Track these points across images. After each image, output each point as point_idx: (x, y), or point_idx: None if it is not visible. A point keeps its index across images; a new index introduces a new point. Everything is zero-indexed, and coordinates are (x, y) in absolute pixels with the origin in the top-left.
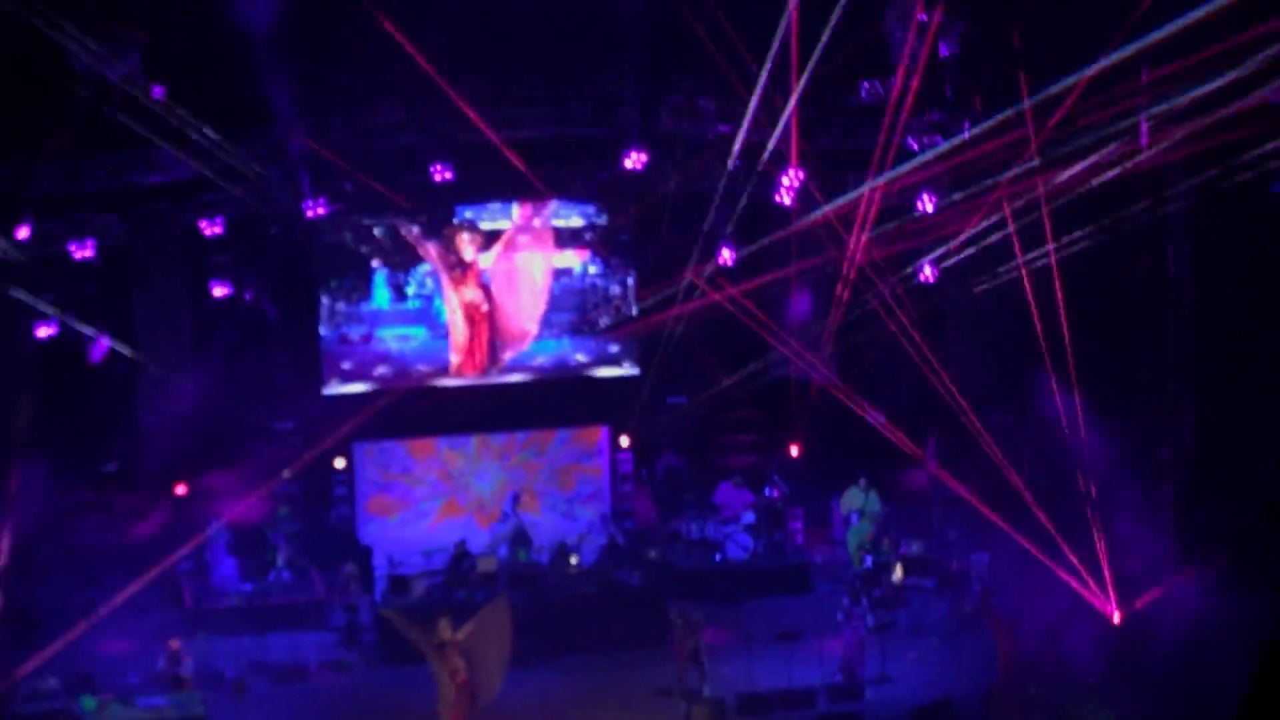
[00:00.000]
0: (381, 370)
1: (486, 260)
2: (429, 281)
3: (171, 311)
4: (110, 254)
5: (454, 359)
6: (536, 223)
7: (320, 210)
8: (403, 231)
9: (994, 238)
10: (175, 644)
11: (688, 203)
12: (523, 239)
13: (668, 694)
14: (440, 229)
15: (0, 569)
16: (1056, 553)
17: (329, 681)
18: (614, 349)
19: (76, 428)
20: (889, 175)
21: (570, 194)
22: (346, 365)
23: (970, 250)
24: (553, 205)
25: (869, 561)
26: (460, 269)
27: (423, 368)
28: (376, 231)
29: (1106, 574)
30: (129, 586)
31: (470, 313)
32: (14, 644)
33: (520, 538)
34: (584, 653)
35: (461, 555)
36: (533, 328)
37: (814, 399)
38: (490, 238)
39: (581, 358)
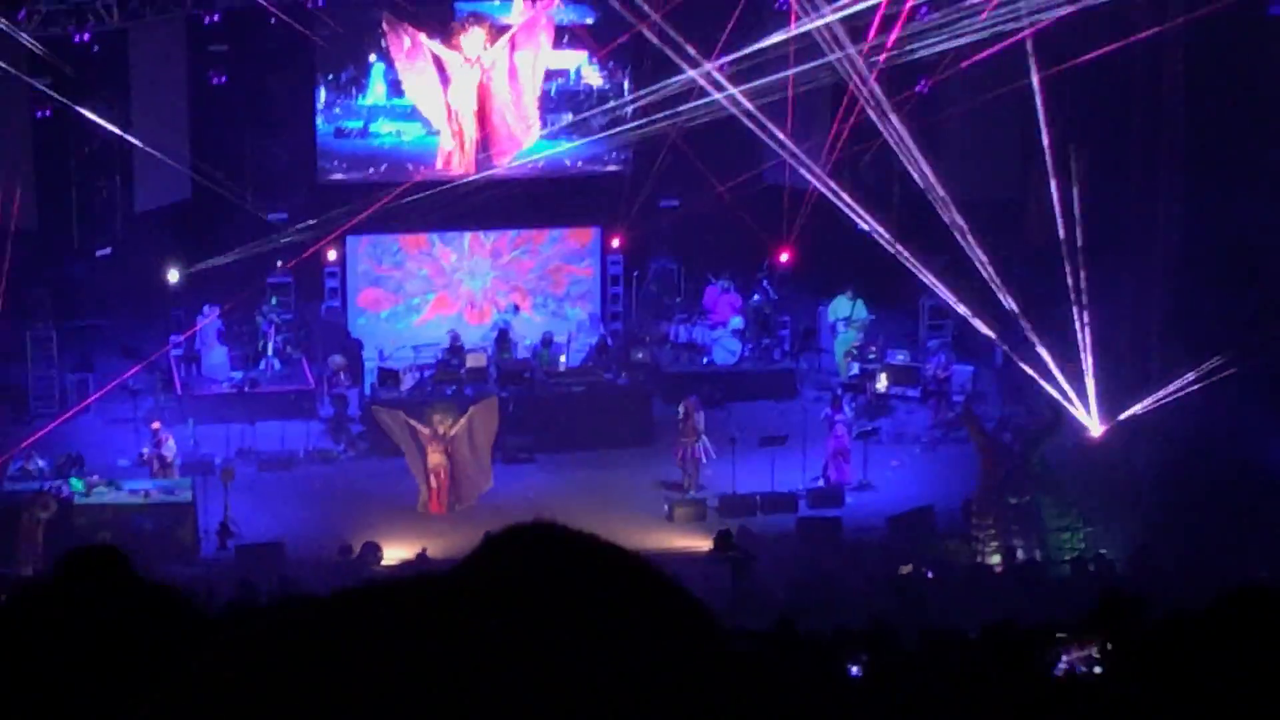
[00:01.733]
0: (376, 163)
1: (489, 56)
2: (425, 77)
3: (169, 98)
4: (108, 39)
5: (444, 155)
6: (538, 20)
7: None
8: (392, 29)
9: (994, 48)
10: (157, 425)
11: (688, 3)
12: (522, 37)
13: (651, 492)
14: (443, 22)
15: None
16: (1040, 365)
17: (315, 470)
18: (608, 150)
19: (72, 211)
20: None
21: None
22: (341, 158)
23: (968, 61)
24: (552, 3)
25: (855, 369)
26: (464, 64)
27: (417, 163)
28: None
29: (1090, 386)
30: (120, 371)
31: (467, 110)
32: (3, 424)
33: (504, 341)
34: (570, 450)
35: (456, 348)
36: (529, 126)
37: (808, 207)
38: (496, 32)
39: (576, 158)
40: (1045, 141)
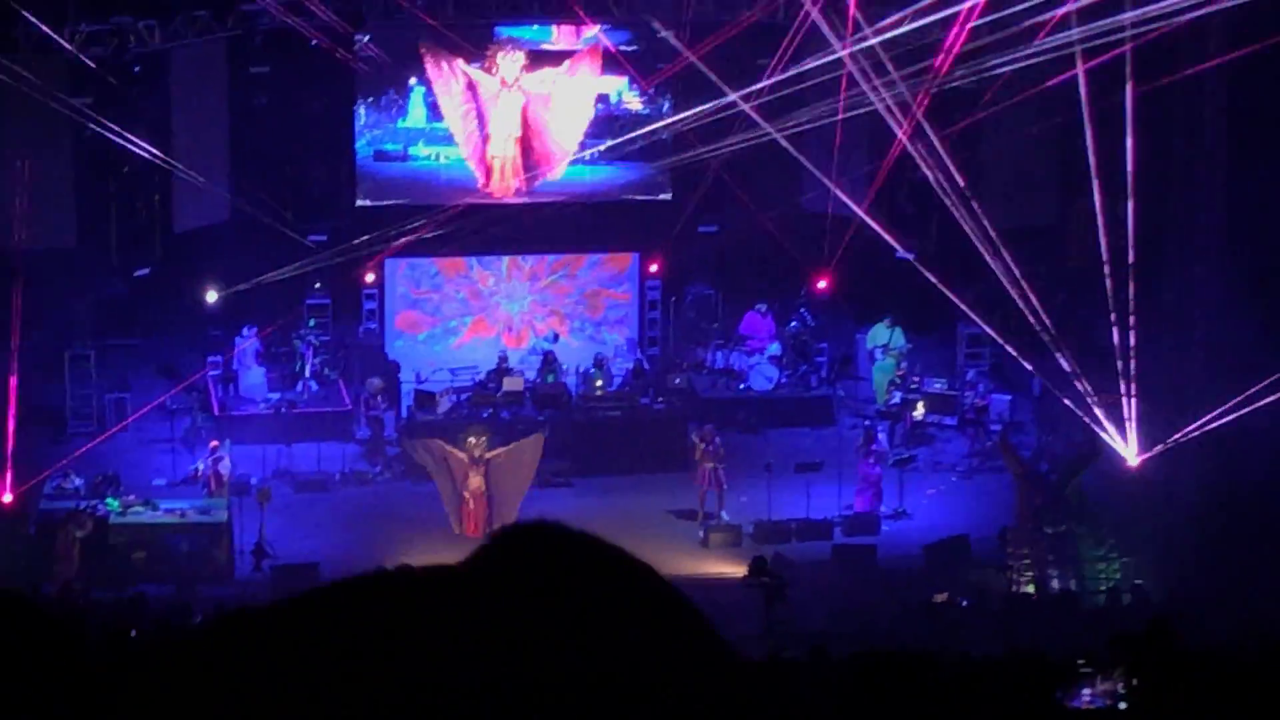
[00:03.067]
0: (415, 186)
1: (528, 81)
2: (461, 101)
3: (209, 119)
4: (149, 59)
5: (482, 179)
6: (576, 45)
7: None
8: (429, 54)
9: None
10: (215, 444)
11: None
12: (562, 61)
13: (686, 518)
14: (481, 47)
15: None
16: (1077, 394)
17: (352, 492)
18: (647, 175)
19: (111, 231)
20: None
21: (610, 17)
22: (381, 180)
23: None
24: (592, 28)
25: (896, 397)
26: (500, 89)
27: (456, 187)
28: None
29: (1130, 414)
30: (157, 391)
31: (504, 135)
32: (40, 443)
33: (549, 364)
34: (606, 475)
35: (504, 370)
36: (567, 151)
37: (850, 235)
38: (534, 58)
39: (615, 183)
40: (1092, 165)
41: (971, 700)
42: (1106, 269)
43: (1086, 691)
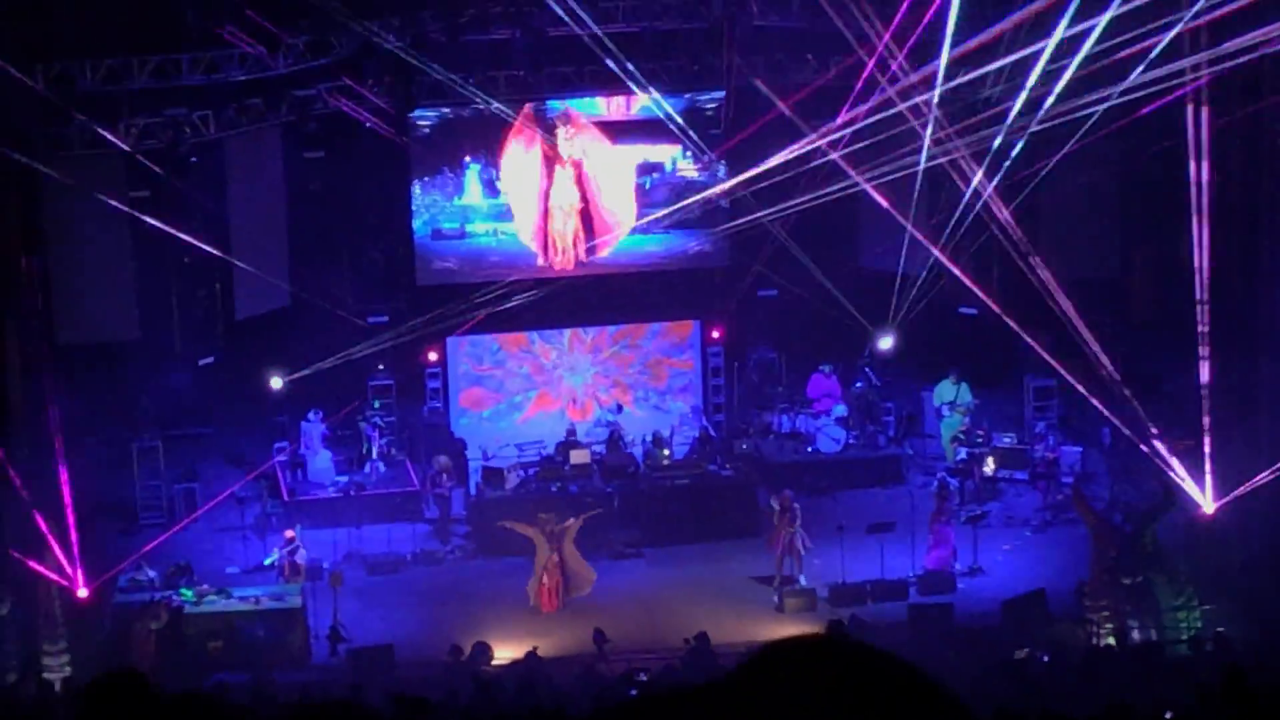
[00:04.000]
0: (475, 263)
1: (582, 153)
2: (507, 178)
3: (265, 205)
4: (205, 149)
5: (541, 254)
6: (630, 115)
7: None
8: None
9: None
10: (291, 533)
11: (782, 94)
12: (615, 132)
13: (761, 584)
14: (544, 120)
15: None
16: (1149, 442)
17: (422, 572)
18: (705, 242)
19: (173, 321)
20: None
21: (662, 86)
22: (440, 259)
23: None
24: (644, 98)
25: (962, 454)
26: (557, 165)
27: (515, 261)
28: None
29: (1208, 464)
30: (225, 479)
31: (564, 210)
32: (112, 536)
33: (615, 438)
34: (676, 544)
35: (571, 443)
36: (624, 221)
37: (917, 292)
38: (585, 128)
39: (673, 251)
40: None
41: None
42: (1203, 304)
43: None
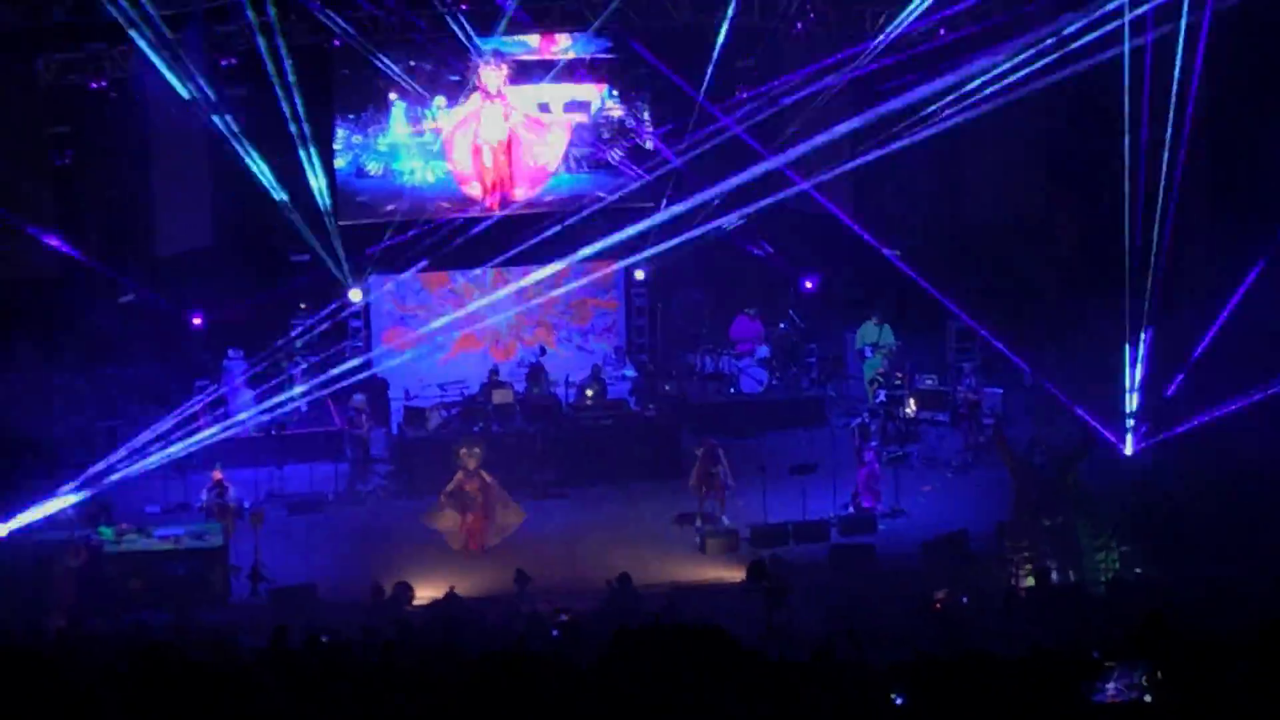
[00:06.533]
0: (398, 203)
1: (511, 93)
2: (443, 115)
3: (187, 143)
4: (125, 84)
5: (471, 193)
6: (555, 55)
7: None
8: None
9: (1006, 65)
10: (218, 474)
11: (704, 34)
12: (542, 72)
13: (682, 523)
14: (463, 60)
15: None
16: (1070, 385)
17: (346, 513)
18: (630, 182)
19: (95, 258)
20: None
21: (588, 26)
22: (363, 198)
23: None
24: (570, 37)
25: (882, 395)
26: (485, 101)
27: (440, 202)
28: (396, 65)
29: (1127, 406)
30: (146, 418)
31: (492, 146)
32: (33, 475)
33: (537, 374)
34: (600, 484)
35: (495, 383)
36: (552, 161)
37: (830, 234)
38: (517, 69)
39: (598, 191)
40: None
41: (1002, 701)
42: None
43: (1110, 686)
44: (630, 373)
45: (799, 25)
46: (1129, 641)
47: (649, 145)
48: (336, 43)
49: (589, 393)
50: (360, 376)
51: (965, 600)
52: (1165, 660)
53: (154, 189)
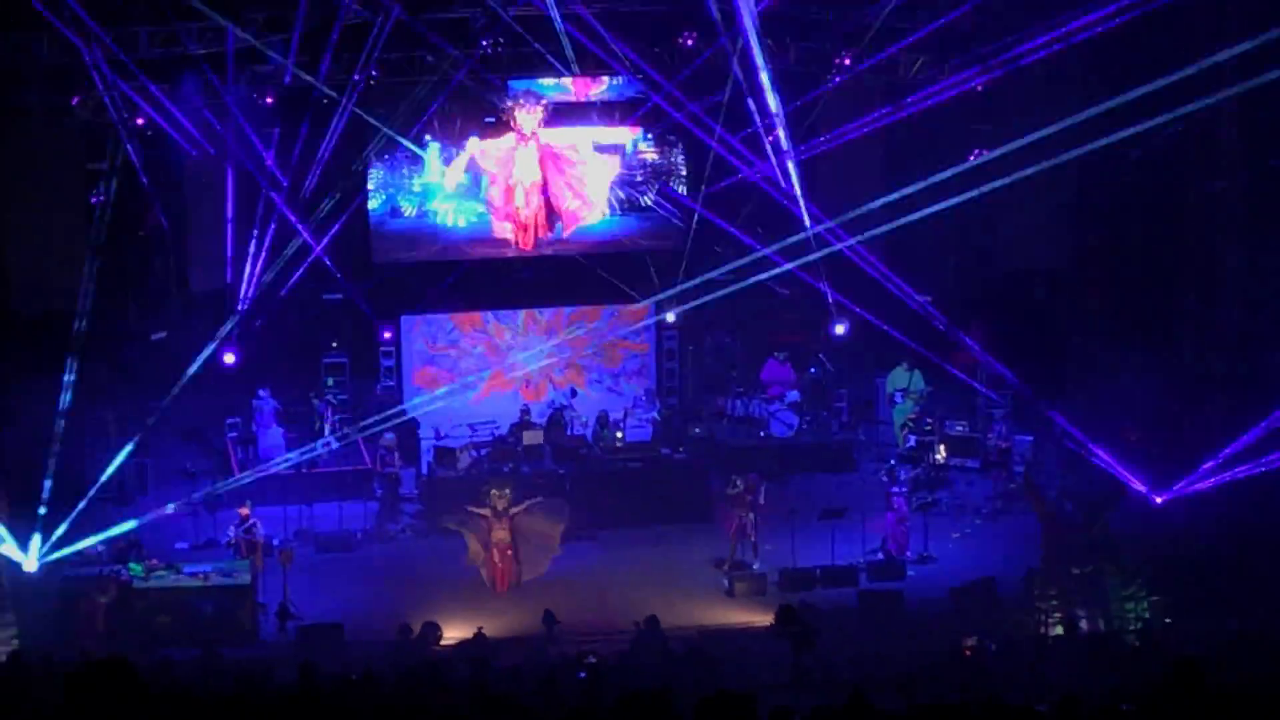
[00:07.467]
0: (432, 243)
1: (545, 134)
2: (479, 157)
3: (222, 180)
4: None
5: (504, 234)
6: (591, 97)
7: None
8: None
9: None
10: (245, 510)
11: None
12: (576, 114)
13: (712, 567)
14: (498, 103)
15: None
16: (1100, 434)
17: (374, 551)
18: (663, 225)
19: (129, 295)
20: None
21: (624, 69)
22: (396, 238)
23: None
24: (606, 80)
25: (912, 441)
26: (520, 142)
27: (473, 242)
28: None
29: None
30: (177, 454)
31: (525, 187)
32: (63, 510)
33: (557, 420)
34: (628, 527)
35: (525, 424)
36: (585, 203)
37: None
38: (552, 111)
39: (630, 234)
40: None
41: None
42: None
43: None
44: (652, 414)
45: (836, 79)
46: (1158, 692)
47: (682, 190)
48: (372, 83)
49: (619, 435)
50: (391, 415)
51: (993, 647)
52: (1195, 712)
53: (189, 225)
